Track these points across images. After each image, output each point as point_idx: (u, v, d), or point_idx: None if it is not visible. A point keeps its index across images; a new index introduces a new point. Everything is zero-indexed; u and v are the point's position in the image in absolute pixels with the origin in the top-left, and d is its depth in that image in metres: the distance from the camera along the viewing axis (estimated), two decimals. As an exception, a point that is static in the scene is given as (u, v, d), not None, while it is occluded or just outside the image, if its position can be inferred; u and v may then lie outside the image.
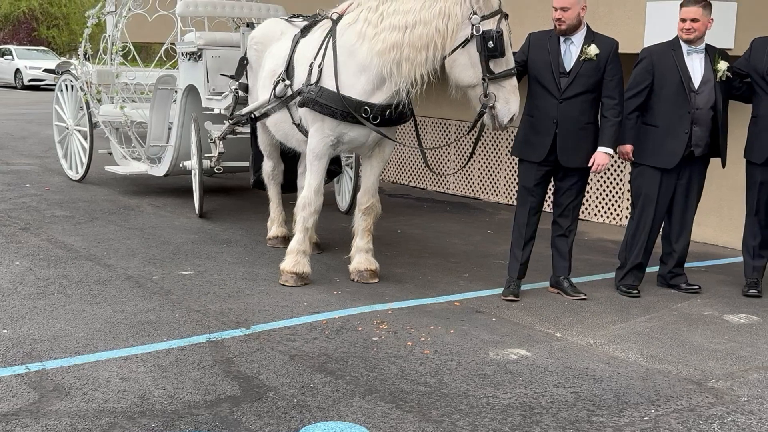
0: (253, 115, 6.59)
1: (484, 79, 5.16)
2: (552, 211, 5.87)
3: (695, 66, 5.71)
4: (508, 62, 5.21)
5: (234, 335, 4.79)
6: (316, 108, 5.66)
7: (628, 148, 5.73)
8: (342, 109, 5.57)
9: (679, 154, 5.70)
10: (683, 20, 5.66)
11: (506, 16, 5.21)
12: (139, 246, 6.80)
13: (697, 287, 5.99)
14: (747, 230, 6.01)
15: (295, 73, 5.96)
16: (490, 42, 5.09)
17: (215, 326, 4.93)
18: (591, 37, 5.55)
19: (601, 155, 5.53)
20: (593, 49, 5.48)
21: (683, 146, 5.68)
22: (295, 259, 5.84)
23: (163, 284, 5.76)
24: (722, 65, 5.70)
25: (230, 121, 7.15)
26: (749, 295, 5.90)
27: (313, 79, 5.69)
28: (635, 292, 5.86)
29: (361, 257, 6.01)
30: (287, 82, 6.01)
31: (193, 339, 4.70)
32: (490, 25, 5.12)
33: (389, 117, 5.62)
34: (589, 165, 5.55)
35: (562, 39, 5.55)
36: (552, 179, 5.79)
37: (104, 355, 4.42)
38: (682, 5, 5.71)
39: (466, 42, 5.17)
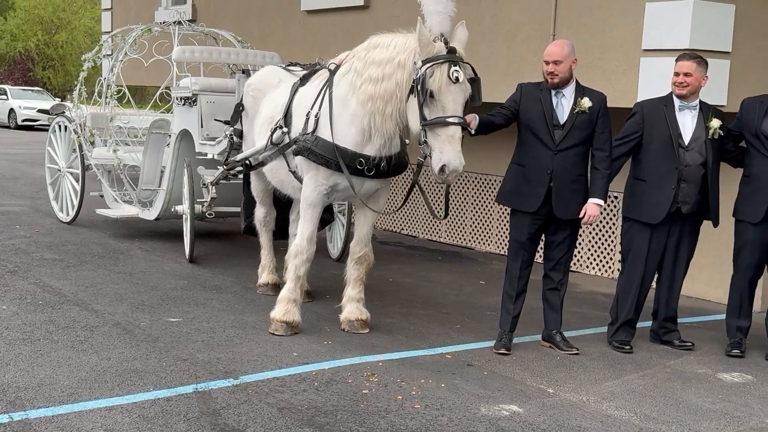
0: (248, 162, 6.54)
1: (422, 126, 5.08)
2: (543, 264, 5.84)
3: (686, 122, 5.73)
4: (444, 110, 5.00)
5: (222, 386, 4.71)
6: (311, 157, 5.65)
7: None
8: (336, 159, 5.56)
9: (664, 209, 5.68)
10: (677, 74, 5.71)
11: (455, 62, 4.98)
12: (127, 291, 6.73)
13: (690, 344, 5.94)
14: (733, 290, 5.89)
15: (293, 122, 5.96)
16: (418, 86, 5.03)
17: (203, 376, 4.85)
18: (581, 90, 5.61)
19: (593, 206, 5.53)
20: (587, 102, 5.53)
21: (669, 202, 5.67)
22: (285, 308, 5.78)
23: (150, 331, 5.68)
24: (715, 123, 5.72)
25: (225, 167, 7.13)
26: (732, 355, 5.79)
27: (310, 128, 5.70)
28: (628, 347, 5.81)
29: (352, 307, 5.96)
30: (285, 130, 6.01)
31: (180, 389, 4.62)
32: (423, 70, 5.04)
33: (384, 169, 5.61)
34: (581, 216, 5.55)
35: (553, 92, 5.58)
36: (543, 233, 5.77)
37: (89, 404, 4.33)
38: (677, 59, 5.77)
39: (412, 89, 5.16)
